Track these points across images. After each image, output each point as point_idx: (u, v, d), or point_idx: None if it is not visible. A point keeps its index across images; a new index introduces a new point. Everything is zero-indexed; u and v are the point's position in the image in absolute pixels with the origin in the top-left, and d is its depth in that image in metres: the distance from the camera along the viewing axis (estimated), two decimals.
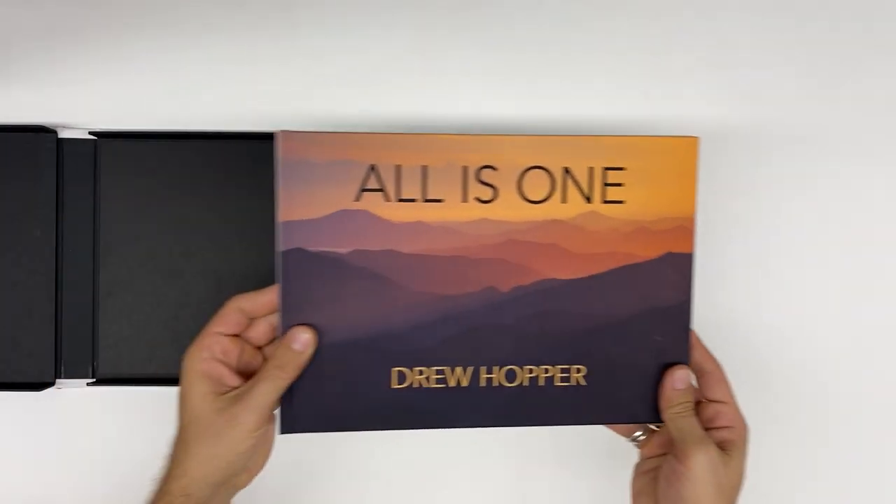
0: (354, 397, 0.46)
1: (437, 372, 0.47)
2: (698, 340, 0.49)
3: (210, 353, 0.45)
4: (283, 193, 0.45)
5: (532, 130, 0.54)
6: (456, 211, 0.46)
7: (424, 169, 0.46)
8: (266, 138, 0.52)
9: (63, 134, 0.56)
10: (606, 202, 0.47)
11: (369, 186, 0.46)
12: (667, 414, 0.47)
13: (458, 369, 0.47)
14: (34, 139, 0.55)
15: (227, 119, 0.55)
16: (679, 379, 0.47)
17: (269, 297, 0.46)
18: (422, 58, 0.55)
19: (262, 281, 0.51)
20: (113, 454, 0.57)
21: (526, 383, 0.48)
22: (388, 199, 0.46)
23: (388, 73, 0.55)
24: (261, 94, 0.55)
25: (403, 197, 0.46)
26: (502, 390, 0.47)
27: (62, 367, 0.56)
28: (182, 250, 0.56)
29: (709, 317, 0.51)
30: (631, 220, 0.47)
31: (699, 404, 0.48)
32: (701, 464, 0.43)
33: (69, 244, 0.56)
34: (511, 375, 0.47)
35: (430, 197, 0.46)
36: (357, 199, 0.46)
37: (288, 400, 0.46)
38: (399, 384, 0.47)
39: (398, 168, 0.46)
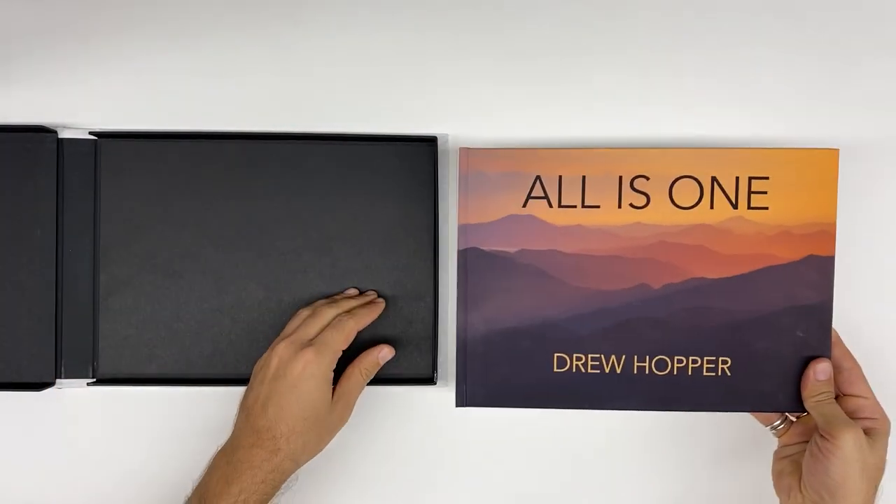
0: (521, 378, 0.53)
1: (594, 359, 0.53)
2: (838, 338, 0.52)
3: (334, 365, 0.52)
4: (461, 201, 0.53)
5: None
6: (612, 216, 0.52)
7: (583, 179, 0.52)
8: (266, 139, 0.56)
9: (63, 134, 0.56)
10: (751, 208, 0.52)
11: (535, 195, 0.52)
12: (809, 402, 0.50)
13: (613, 357, 0.53)
14: (34, 139, 0.55)
15: (227, 119, 0.56)
16: (821, 371, 0.51)
17: (374, 316, 0.55)
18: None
19: (262, 281, 0.56)
20: (113, 454, 0.58)
21: (675, 372, 0.52)
22: (551, 206, 0.52)
23: (389, 75, 0.57)
24: (261, 94, 0.56)
25: (565, 203, 0.52)
26: (653, 378, 0.53)
27: (62, 367, 0.56)
28: (182, 250, 0.56)
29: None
30: (775, 224, 0.52)
31: (837, 398, 0.51)
32: (849, 441, 0.47)
33: (69, 244, 0.56)
34: (661, 364, 0.53)
35: (588, 203, 0.52)
36: (524, 205, 0.52)
37: (462, 379, 0.53)
38: (560, 368, 0.53)
39: (560, 178, 0.52)
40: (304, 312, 0.54)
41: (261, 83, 0.57)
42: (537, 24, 0.57)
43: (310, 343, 0.51)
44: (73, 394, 0.57)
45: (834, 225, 0.51)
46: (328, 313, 0.53)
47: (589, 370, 0.53)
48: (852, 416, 0.50)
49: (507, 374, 0.53)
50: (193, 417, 0.58)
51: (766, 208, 0.52)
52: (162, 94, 0.56)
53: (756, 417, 0.55)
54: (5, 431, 0.58)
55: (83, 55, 0.56)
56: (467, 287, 0.53)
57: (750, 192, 0.52)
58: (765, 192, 0.52)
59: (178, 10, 0.56)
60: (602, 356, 0.53)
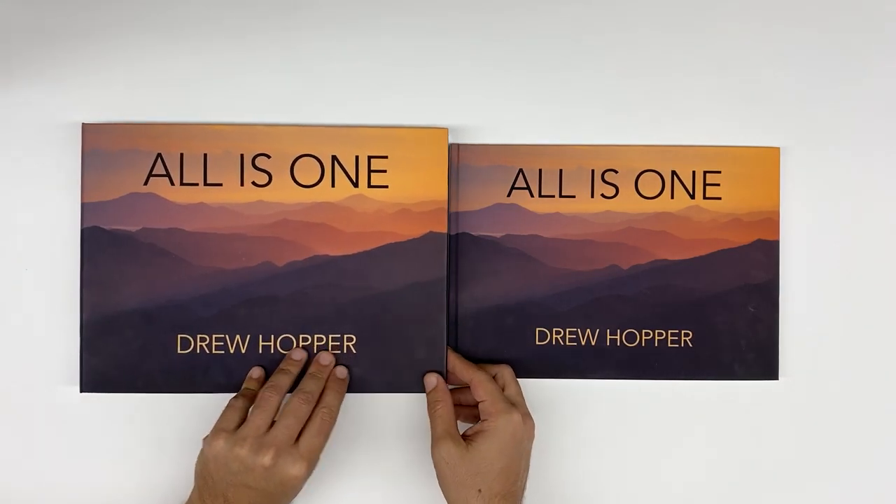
0: (506, 351, 0.58)
1: (571, 332, 0.59)
2: (454, 357, 0.57)
3: None
4: (452, 191, 0.58)
5: None
6: (586, 204, 0.59)
7: (560, 172, 0.59)
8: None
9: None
10: (707, 198, 0.59)
11: (518, 185, 0.59)
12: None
13: (588, 331, 0.59)
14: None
15: (227, 116, 0.57)
16: (427, 384, 0.57)
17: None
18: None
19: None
20: (104, 461, 0.58)
21: (643, 344, 0.59)
22: (532, 196, 0.59)
23: (385, 76, 0.58)
24: (258, 93, 0.58)
25: (544, 193, 0.59)
26: (624, 349, 0.59)
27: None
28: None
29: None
30: (727, 212, 0.59)
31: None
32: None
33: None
34: (631, 337, 0.59)
35: (565, 193, 0.59)
36: (508, 195, 0.59)
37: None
38: (541, 341, 0.58)
39: (540, 171, 0.59)
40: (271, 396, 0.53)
41: (262, 81, 0.58)
42: (535, 29, 0.60)
43: (301, 456, 0.51)
44: (65, 400, 0.57)
45: (778, 213, 0.59)
46: (302, 410, 0.53)
47: (567, 343, 0.59)
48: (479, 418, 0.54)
49: (493, 347, 0.58)
50: (186, 424, 0.58)
51: (720, 198, 0.59)
52: (160, 93, 0.57)
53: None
54: (4, 432, 0.58)
55: (82, 54, 0.57)
56: (458, 268, 0.59)
57: (705, 185, 0.59)
58: (718, 185, 0.59)
59: (177, 10, 0.57)
60: (578, 330, 0.59)
